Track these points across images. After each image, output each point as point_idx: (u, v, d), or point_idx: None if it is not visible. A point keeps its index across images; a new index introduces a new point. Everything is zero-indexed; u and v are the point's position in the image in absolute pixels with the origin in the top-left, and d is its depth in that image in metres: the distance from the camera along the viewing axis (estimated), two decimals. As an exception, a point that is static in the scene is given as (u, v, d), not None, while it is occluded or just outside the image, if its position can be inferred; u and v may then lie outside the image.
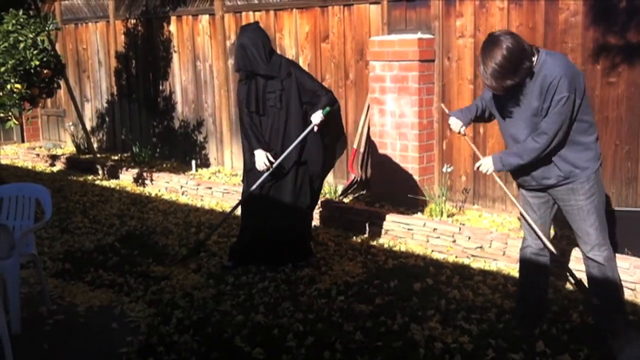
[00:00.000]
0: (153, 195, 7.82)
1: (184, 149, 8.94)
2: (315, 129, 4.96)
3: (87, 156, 9.59)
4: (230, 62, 8.07)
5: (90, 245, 5.90)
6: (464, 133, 4.08)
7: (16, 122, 7.05)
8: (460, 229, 5.41)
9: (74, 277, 5.11)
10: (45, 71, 7.29)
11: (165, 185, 7.99)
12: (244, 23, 7.90)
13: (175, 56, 8.91)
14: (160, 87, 9.19)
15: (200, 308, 4.44)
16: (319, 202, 6.38)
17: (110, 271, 5.20)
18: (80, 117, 9.50)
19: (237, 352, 3.84)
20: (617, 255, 4.56)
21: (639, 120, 5.12)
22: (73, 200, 7.56)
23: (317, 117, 4.93)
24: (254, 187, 5.07)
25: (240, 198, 5.39)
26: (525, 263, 3.99)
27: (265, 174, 5.00)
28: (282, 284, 4.84)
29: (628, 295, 4.44)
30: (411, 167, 6.21)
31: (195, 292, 4.71)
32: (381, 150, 6.42)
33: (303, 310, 4.35)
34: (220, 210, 6.94)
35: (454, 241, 5.40)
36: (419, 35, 6.13)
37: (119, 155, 9.68)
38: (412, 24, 6.36)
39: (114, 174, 8.78)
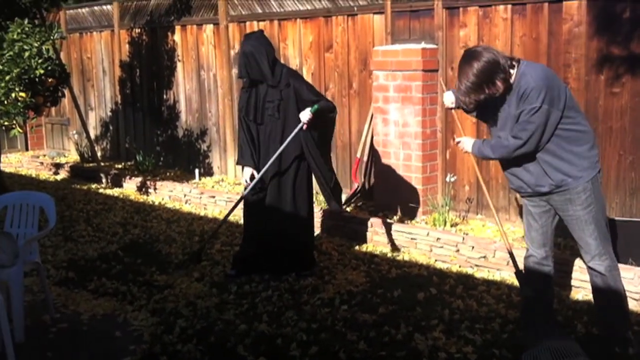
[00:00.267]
0: (156, 203, 7.83)
1: (187, 158, 8.96)
2: (304, 127, 4.91)
3: (91, 164, 9.62)
4: (234, 71, 8.10)
5: (94, 253, 5.91)
6: (454, 108, 4.13)
7: (20, 131, 7.08)
8: (463, 238, 5.40)
9: (77, 286, 5.11)
10: (49, 80, 7.32)
11: (168, 194, 8.00)
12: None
13: (179, 65, 8.94)
14: (165, 96, 9.22)
15: (203, 317, 4.43)
16: (322, 212, 6.40)
17: (114, 279, 5.21)
18: (84, 125, 9.54)
19: (241, 362, 3.84)
20: (622, 265, 4.55)
21: (643, 130, 5.12)
22: (77, 209, 7.57)
23: (305, 115, 4.88)
24: (244, 193, 5.15)
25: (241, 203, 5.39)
26: (528, 272, 3.98)
27: (251, 185, 5.03)
28: (285, 293, 4.83)
29: (633, 305, 4.42)
30: (414, 176, 6.21)
31: (199, 301, 4.70)
32: (384, 160, 6.42)
33: (306, 320, 4.34)
34: (224, 219, 6.94)
35: (458, 251, 5.40)
36: (423, 45, 6.15)
37: (123, 163, 9.71)
38: (416, 33, 6.38)
39: (117, 182, 8.79)
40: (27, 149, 11.55)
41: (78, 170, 9.58)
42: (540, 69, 3.69)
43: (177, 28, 8.87)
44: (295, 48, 7.47)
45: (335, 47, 7.09)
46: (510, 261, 5.06)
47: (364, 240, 6.00)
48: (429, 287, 4.86)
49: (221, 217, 7.01)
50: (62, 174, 9.76)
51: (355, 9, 6.84)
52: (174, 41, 8.95)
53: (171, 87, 9.10)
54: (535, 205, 3.82)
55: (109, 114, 10.23)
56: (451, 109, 4.17)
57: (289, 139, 4.94)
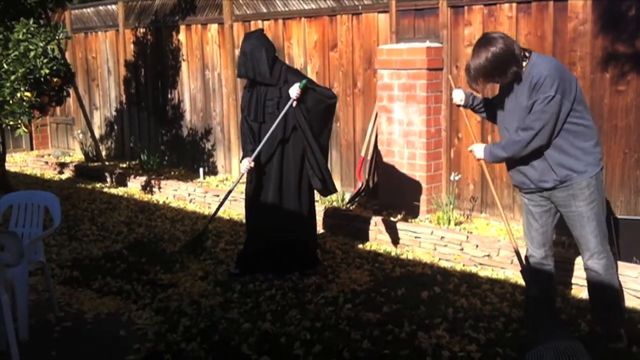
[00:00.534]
0: (161, 202, 7.84)
1: (192, 157, 8.97)
2: (294, 104, 4.88)
3: (96, 164, 9.64)
4: (239, 70, 8.09)
5: (98, 252, 5.92)
6: (462, 106, 4.10)
7: (25, 130, 7.10)
8: (467, 237, 5.39)
9: (81, 285, 5.12)
10: (55, 80, 7.35)
11: (173, 193, 8.01)
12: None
13: (184, 65, 8.95)
14: (169, 96, 9.24)
15: (207, 316, 4.44)
16: (326, 210, 6.40)
17: (118, 278, 5.21)
18: (89, 125, 9.56)
19: (244, 360, 3.84)
20: (626, 264, 4.55)
21: (648, 128, 5.10)
22: (81, 208, 7.59)
23: (294, 91, 4.86)
24: (235, 182, 5.29)
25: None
26: (529, 272, 3.97)
27: (245, 169, 5.04)
28: (289, 292, 4.83)
29: (636, 304, 4.42)
30: (419, 175, 6.20)
31: (203, 300, 4.71)
32: (389, 159, 6.42)
33: (310, 319, 4.34)
34: (228, 217, 6.95)
35: (462, 249, 5.39)
36: (427, 43, 6.13)
37: (127, 163, 9.72)
38: (421, 32, 6.37)
39: (122, 181, 8.81)
40: (32, 149, 11.58)
41: (83, 170, 9.60)
42: (551, 59, 3.72)
43: (182, 27, 8.88)
44: (300, 47, 7.47)
45: (340, 46, 7.09)
46: (515, 259, 5.09)
47: (367, 238, 6.00)
48: (433, 285, 4.86)
49: (225, 216, 7.03)
50: (67, 174, 9.78)
51: (360, 7, 6.83)
52: (178, 41, 8.96)
53: (176, 86, 9.11)
54: (536, 205, 3.82)
55: (114, 113, 10.25)
56: (459, 106, 4.13)
57: (281, 114, 4.91)
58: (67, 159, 10.53)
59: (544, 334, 3.64)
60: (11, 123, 6.82)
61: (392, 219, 6.06)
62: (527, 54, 3.62)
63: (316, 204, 6.51)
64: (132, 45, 9.71)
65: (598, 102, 5.28)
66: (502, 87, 3.79)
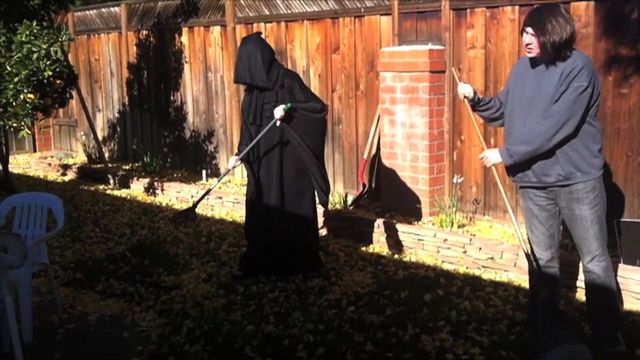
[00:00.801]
0: (164, 204, 7.85)
1: (194, 159, 8.98)
2: (278, 123, 4.89)
3: (99, 166, 9.65)
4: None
5: (102, 254, 5.93)
6: (466, 98, 4.00)
7: (29, 132, 7.11)
8: (471, 239, 5.39)
9: (85, 286, 5.13)
10: (58, 81, 7.36)
11: (176, 195, 8.02)
12: (261, 33, 7.94)
13: (186, 67, 8.97)
14: (172, 98, 9.25)
15: (210, 318, 4.44)
16: (329, 213, 6.40)
17: (121, 280, 5.22)
18: (91, 126, 9.57)
19: (248, 362, 3.84)
20: (628, 267, 4.55)
21: (651, 131, 5.10)
22: (84, 210, 7.60)
23: (278, 112, 4.87)
24: (220, 178, 5.42)
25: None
26: (531, 275, 3.97)
27: (231, 166, 5.09)
28: (292, 294, 4.83)
29: (639, 307, 4.41)
30: (421, 177, 6.20)
31: (206, 302, 4.71)
32: (391, 161, 6.42)
33: (313, 321, 4.34)
34: (231, 219, 6.96)
35: (465, 252, 5.39)
36: (430, 46, 6.14)
37: (130, 164, 9.74)
38: (423, 35, 6.38)
39: (125, 183, 8.82)
40: (35, 150, 11.60)
41: (86, 172, 9.61)
42: (584, 54, 3.72)
43: (185, 30, 8.89)
44: (302, 49, 7.48)
45: (342, 49, 7.10)
46: (519, 262, 5.10)
47: (370, 241, 6.00)
48: (436, 288, 4.86)
49: (228, 218, 7.04)
50: (70, 175, 9.79)
51: (363, 10, 6.84)
52: (181, 43, 8.97)
53: (178, 88, 9.12)
54: (542, 209, 3.82)
55: (117, 115, 10.27)
56: (466, 99, 4.01)
57: (264, 130, 4.93)
58: (70, 161, 10.54)
59: (550, 338, 3.64)
60: (14, 125, 6.83)
61: (394, 221, 6.06)
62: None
63: (318, 206, 6.54)
64: (134, 48, 9.73)
65: (601, 105, 5.21)
66: (517, 76, 3.77)
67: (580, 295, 4.63)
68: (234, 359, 3.88)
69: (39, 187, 8.79)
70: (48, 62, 6.84)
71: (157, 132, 9.56)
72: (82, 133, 10.62)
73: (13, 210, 4.64)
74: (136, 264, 5.62)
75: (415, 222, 6.09)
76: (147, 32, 9.46)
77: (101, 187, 8.92)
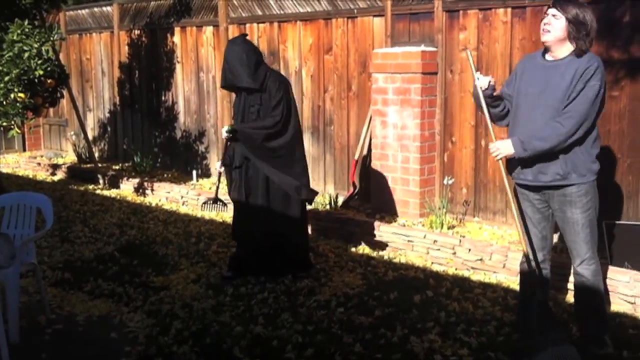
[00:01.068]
0: (153, 205, 7.82)
1: (185, 159, 8.95)
2: (228, 143, 5.03)
3: (88, 165, 9.61)
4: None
5: (90, 254, 5.90)
6: (484, 89, 3.84)
7: (19, 131, 7.07)
8: (460, 241, 5.40)
9: (73, 287, 5.10)
10: (49, 81, 7.32)
11: (165, 195, 8.00)
12: (248, 35, 7.92)
13: (178, 67, 8.94)
14: (163, 98, 9.22)
15: (199, 319, 4.42)
16: (319, 214, 6.39)
17: (110, 281, 5.19)
18: (82, 126, 9.54)
19: (236, 363, 3.83)
20: (617, 269, 4.57)
21: (641, 134, 5.12)
22: (73, 210, 7.56)
23: (223, 132, 4.96)
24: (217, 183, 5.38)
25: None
26: (525, 276, 3.97)
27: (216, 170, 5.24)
28: (281, 295, 4.82)
29: (627, 309, 4.43)
30: (412, 179, 6.21)
31: (195, 303, 4.69)
32: (382, 162, 6.42)
33: (302, 322, 4.33)
34: (221, 220, 6.94)
35: (454, 253, 5.39)
36: (422, 47, 6.14)
37: (120, 164, 9.70)
38: (416, 36, 6.38)
39: (114, 183, 8.78)
40: (24, 150, 11.54)
41: (75, 171, 9.57)
42: (598, 57, 3.71)
43: (177, 30, 8.87)
44: (295, 50, 7.47)
45: (335, 50, 7.09)
46: (508, 263, 5.10)
47: (360, 242, 6.00)
48: (425, 289, 4.85)
49: (218, 218, 7.02)
50: (60, 175, 9.75)
51: (355, 11, 6.84)
52: (173, 43, 8.95)
53: (170, 88, 9.10)
54: (536, 212, 3.82)
55: (107, 115, 10.23)
56: (484, 90, 3.87)
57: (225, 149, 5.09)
58: (60, 161, 10.49)
59: (542, 339, 3.63)
60: (4, 124, 6.79)
61: (385, 222, 6.06)
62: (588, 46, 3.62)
63: (310, 207, 6.53)
64: (126, 47, 9.70)
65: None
66: (523, 72, 3.76)
67: (569, 297, 4.64)
68: (222, 360, 3.86)
69: (28, 187, 8.74)
70: (39, 61, 6.80)
71: (147, 132, 9.53)
72: (72, 133, 10.57)
73: (2, 210, 4.61)
74: (125, 265, 5.59)
75: (406, 223, 6.09)
76: (139, 31, 9.43)
77: (91, 187, 8.88)
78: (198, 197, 7.57)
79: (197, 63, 8.66)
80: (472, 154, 6.07)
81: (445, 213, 5.92)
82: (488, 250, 5.21)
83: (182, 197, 7.77)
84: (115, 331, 4.28)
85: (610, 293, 4.47)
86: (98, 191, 8.62)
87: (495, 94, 3.86)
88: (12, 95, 6.66)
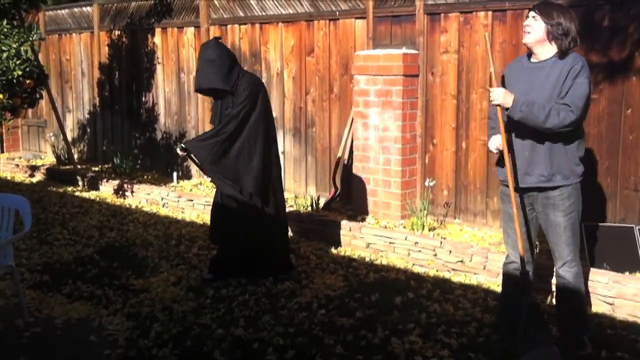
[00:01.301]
0: (133, 207, 7.76)
1: (165, 161, 8.89)
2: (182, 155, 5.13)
3: (68, 167, 9.51)
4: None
5: (69, 257, 5.83)
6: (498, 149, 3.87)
7: (-4, 133, 6.99)
8: (441, 242, 5.42)
9: (52, 289, 5.04)
10: (27, 81, 7.24)
11: (146, 197, 7.94)
12: (229, 36, 7.92)
13: (159, 68, 8.89)
14: (143, 99, 9.16)
15: (179, 321, 4.39)
16: (301, 216, 6.38)
17: (89, 283, 5.14)
18: (61, 127, 9.44)
19: (216, 366, 3.81)
20: (596, 270, 4.61)
21: (619, 137, 5.17)
22: (52, 212, 7.48)
23: (179, 149, 5.02)
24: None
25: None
26: (508, 278, 4.00)
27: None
28: (262, 298, 4.80)
29: (606, 309, 4.48)
30: (394, 180, 6.22)
31: (175, 305, 4.66)
32: (364, 164, 6.43)
33: (283, 324, 4.32)
34: (202, 222, 6.90)
35: (435, 255, 5.41)
36: (404, 50, 6.16)
37: (100, 166, 9.61)
38: (397, 39, 6.40)
39: (94, 185, 8.71)
40: (2, 151, 11.38)
41: (54, 173, 9.47)
42: (583, 57, 3.76)
43: (158, 30, 8.82)
44: (277, 52, 7.46)
45: (317, 51, 7.09)
46: (488, 265, 5.13)
47: (342, 244, 6.00)
48: (407, 291, 4.87)
49: (199, 220, 6.98)
50: (38, 177, 9.64)
51: (337, 13, 6.85)
52: (154, 43, 8.89)
53: (150, 89, 9.04)
54: (520, 214, 3.83)
55: (87, 116, 10.14)
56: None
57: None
58: (39, 162, 10.37)
59: (527, 340, 3.65)
60: (-19, 125, 6.72)
61: (366, 224, 6.07)
62: (572, 46, 3.65)
63: (291, 209, 6.53)
64: (106, 48, 9.62)
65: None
66: (510, 75, 3.81)
67: (550, 298, 4.67)
68: (202, 363, 3.84)
69: (6, 189, 8.62)
70: (18, 62, 6.74)
71: (128, 134, 9.46)
72: (51, 134, 10.47)
73: (-21, 211, 4.54)
74: (104, 267, 5.54)
75: (387, 225, 6.10)
76: (119, 32, 9.36)
77: (70, 188, 8.79)
78: (179, 199, 7.52)
79: (178, 64, 8.61)
80: (453, 156, 6.10)
81: (427, 215, 5.94)
82: (469, 252, 5.24)
83: (162, 198, 7.72)
84: (95, 334, 4.24)
85: (589, 294, 4.51)
86: (77, 193, 8.54)
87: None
88: (-11, 96, 6.58)
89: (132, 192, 8.12)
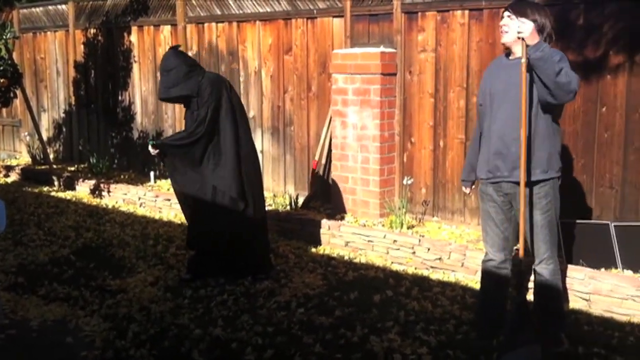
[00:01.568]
0: (110, 207, 7.69)
1: (142, 160, 8.82)
2: (157, 159, 5.13)
3: (43, 167, 9.40)
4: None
5: (45, 258, 5.76)
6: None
7: (-31, 132, 6.88)
8: (419, 240, 5.43)
9: (27, 291, 4.97)
10: (1, 80, 7.15)
11: (122, 197, 7.86)
12: (206, 34, 7.88)
13: (135, 66, 8.81)
14: (120, 98, 9.08)
15: (157, 322, 4.36)
16: (279, 215, 6.37)
17: (65, 284, 5.08)
18: (36, 127, 9.33)
19: (195, 366, 3.78)
20: (573, 266, 4.65)
21: (594, 134, 5.23)
22: (27, 212, 7.38)
23: (150, 148, 5.01)
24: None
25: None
26: (486, 276, 4.02)
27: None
28: (241, 297, 4.78)
29: (582, 305, 4.52)
30: (372, 179, 6.23)
31: (153, 306, 4.62)
32: (342, 163, 6.43)
33: (262, 324, 4.30)
34: (179, 222, 6.85)
35: (414, 253, 5.43)
36: (382, 48, 6.17)
37: (76, 166, 9.51)
38: (375, 37, 6.41)
39: (70, 185, 8.61)
40: (-24, 151, 11.24)
41: (29, 173, 9.35)
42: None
43: (134, 29, 8.74)
44: (254, 50, 7.43)
45: (295, 50, 7.08)
46: (466, 262, 5.16)
47: (321, 242, 5.99)
48: (385, 289, 4.87)
49: (176, 220, 6.93)
50: (13, 177, 9.51)
51: (315, 12, 6.84)
52: (130, 42, 8.81)
53: (127, 88, 8.95)
54: (499, 212, 3.86)
55: (63, 115, 10.02)
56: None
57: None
58: (14, 162, 10.24)
59: (512, 338, 3.67)
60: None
61: (345, 222, 6.07)
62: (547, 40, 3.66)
63: (270, 208, 6.50)
64: (82, 46, 9.51)
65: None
66: (488, 75, 3.86)
67: (528, 295, 4.70)
68: (180, 363, 3.81)
69: (-20, 189, 8.52)
70: (-10, 60, 6.64)
71: (104, 133, 9.36)
72: (26, 133, 10.33)
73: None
74: (81, 268, 5.48)
75: (366, 224, 6.10)
76: (95, 30, 9.26)
77: (45, 189, 8.68)
78: (156, 199, 7.46)
79: (155, 63, 8.54)
80: (430, 154, 6.12)
81: (405, 213, 5.96)
82: (447, 250, 5.26)
83: (139, 198, 7.66)
84: (71, 336, 4.19)
85: (566, 291, 4.55)
86: (53, 193, 8.44)
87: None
88: (-38, 95, 6.48)
89: (108, 192, 8.04)
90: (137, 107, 8.88)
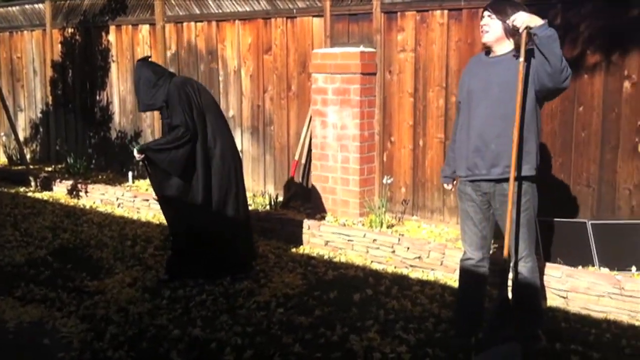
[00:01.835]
0: (88, 207, 7.61)
1: (121, 160, 8.75)
2: (140, 164, 5.18)
3: (20, 167, 9.30)
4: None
5: (21, 259, 5.69)
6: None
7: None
8: (399, 239, 5.44)
9: (3, 292, 4.89)
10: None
11: (100, 197, 7.79)
12: (185, 33, 7.83)
13: (113, 66, 8.74)
14: (98, 97, 9.00)
15: (135, 323, 4.31)
16: (259, 214, 6.35)
17: (42, 286, 5.02)
18: (12, 127, 9.22)
19: (173, 367, 3.75)
20: (550, 264, 4.69)
21: (572, 134, 5.27)
22: (3, 213, 7.29)
23: (135, 153, 4.99)
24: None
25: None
26: (465, 274, 4.04)
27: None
28: (220, 297, 4.75)
29: (560, 303, 4.56)
30: (352, 178, 6.23)
31: (131, 307, 4.57)
32: (322, 162, 6.42)
33: (241, 324, 4.28)
34: (158, 222, 6.80)
35: (393, 252, 5.44)
36: (361, 48, 6.17)
37: (53, 166, 9.41)
38: (355, 37, 6.41)
39: (47, 185, 8.51)
40: (-49, 152, 11.07)
41: (5, 174, 9.24)
42: None
43: (112, 28, 8.67)
44: (234, 49, 7.41)
45: (274, 49, 7.06)
46: (445, 261, 5.17)
47: (301, 242, 5.98)
48: (365, 288, 4.88)
49: (155, 220, 6.88)
50: (-11, 177, 9.39)
51: (295, 11, 6.83)
52: (108, 41, 8.74)
53: (105, 87, 8.88)
54: (478, 212, 3.87)
55: (40, 115, 9.91)
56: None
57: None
58: (-10, 162, 10.12)
59: (492, 336, 3.68)
60: None
61: (325, 222, 6.06)
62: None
63: (250, 207, 6.47)
64: (59, 46, 9.42)
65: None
66: (467, 74, 3.87)
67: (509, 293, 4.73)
68: (159, 364, 3.78)
69: (-45, 190, 8.39)
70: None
71: (81, 133, 9.28)
72: (2, 133, 10.22)
73: None
74: (58, 269, 5.42)
75: (346, 223, 6.10)
76: (72, 30, 9.18)
77: (22, 189, 8.58)
78: (134, 199, 7.40)
79: (133, 62, 8.47)
80: (410, 153, 6.14)
81: (385, 212, 5.97)
82: (426, 248, 5.28)
83: (117, 199, 7.59)
84: (48, 337, 4.14)
85: (544, 288, 4.58)
86: (30, 194, 8.34)
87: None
88: None
89: (86, 192, 7.96)
90: (115, 107, 8.81)
